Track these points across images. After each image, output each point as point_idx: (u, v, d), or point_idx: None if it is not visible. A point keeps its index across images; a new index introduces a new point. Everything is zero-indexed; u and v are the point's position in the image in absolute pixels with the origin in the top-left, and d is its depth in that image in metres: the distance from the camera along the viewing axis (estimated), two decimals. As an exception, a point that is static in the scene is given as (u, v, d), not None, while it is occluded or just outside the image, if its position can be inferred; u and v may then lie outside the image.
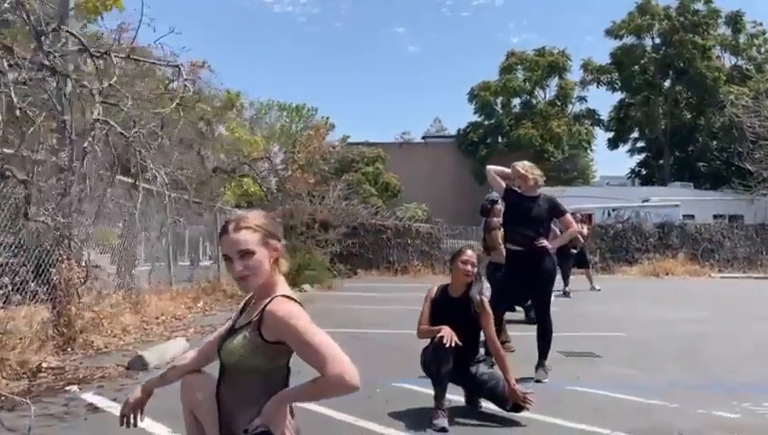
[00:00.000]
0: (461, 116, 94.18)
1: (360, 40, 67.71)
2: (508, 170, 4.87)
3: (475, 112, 32.33)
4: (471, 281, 3.66)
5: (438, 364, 3.41)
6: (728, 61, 32.69)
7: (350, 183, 30.81)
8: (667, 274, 18.24)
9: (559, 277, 12.48)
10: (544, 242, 4.60)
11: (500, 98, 32.06)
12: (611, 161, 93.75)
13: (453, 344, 3.36)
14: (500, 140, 31.92)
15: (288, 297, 1.79)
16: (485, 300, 3.62)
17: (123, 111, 5.46)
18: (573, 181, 32.88)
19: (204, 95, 12.25)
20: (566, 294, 12.06)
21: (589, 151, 33.14)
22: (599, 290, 13.38)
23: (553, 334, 4.87)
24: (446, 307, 3.65)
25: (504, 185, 4.86)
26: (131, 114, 5.71)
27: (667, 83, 32.86)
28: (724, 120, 27.88)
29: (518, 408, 3.49)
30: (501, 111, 32.45)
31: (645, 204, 23.77)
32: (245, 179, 11.17)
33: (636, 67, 31.58)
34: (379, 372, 4.80)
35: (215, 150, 10.68)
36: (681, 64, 30.93)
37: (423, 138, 37.03)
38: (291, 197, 10.74)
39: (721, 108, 28.43)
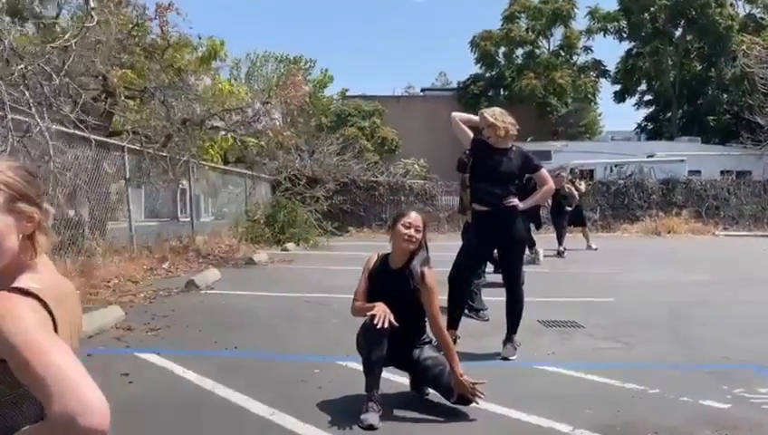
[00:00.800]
0: (467, 70, 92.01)
1: None
2: (476, 118, 4.22)
3: (476, 63, 31.13)
4: (413, 250, 3.08)
5: (369, 349, 2.86)
6: (742, 9, 31.15)
7: (346, 138, 30.12)
8: (670, 232, 17.64)
9: (553, 236, 12.07)
10: (514, 201, 4.00)
11: (502, 48, 30.77)
12: (618, 116, 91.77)
13: (386, 325, 2.81)
14: (502, 92, 30.83)
15: (25, 292, 1.14)
16: (427, 273, 3.04)
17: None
18: (580, 136, 31.93)
19: (176, 41, 11.45)
20: (560, 253, 11.53)
21: (594, 105, 32.00)
22: (595, 249, 12.85)
23: (538, 299, 4.34)
24: (385, 280, 3.09)
25: (470, 135, 4.23)
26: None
27: (677, 32, 31.41)
28: (735, 72, 26.69)
29: (465, 401, 2.96)
30: (503, 63, 31.20)
31: (649, 159, 22.97)
32: (225, 134, 10.48)
33: (645, 15, 30.10)
34: (323, 347, 4.30)
35: (187, 102, 9.96)
36: (693, 12, 29.44)
37: (422, 90, 35.90)
38: (268, 151, 10.02)
39: (733, 58, 27.19)
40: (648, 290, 7.31)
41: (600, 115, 38.95)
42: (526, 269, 8.50)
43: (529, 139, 28.39)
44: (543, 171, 4.17)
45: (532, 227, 10.34)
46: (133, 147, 8.45)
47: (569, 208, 11.73)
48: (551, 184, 4.21)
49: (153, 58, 10.47)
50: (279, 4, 68.93)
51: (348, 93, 35.63)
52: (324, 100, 37.67)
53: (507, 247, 4.10)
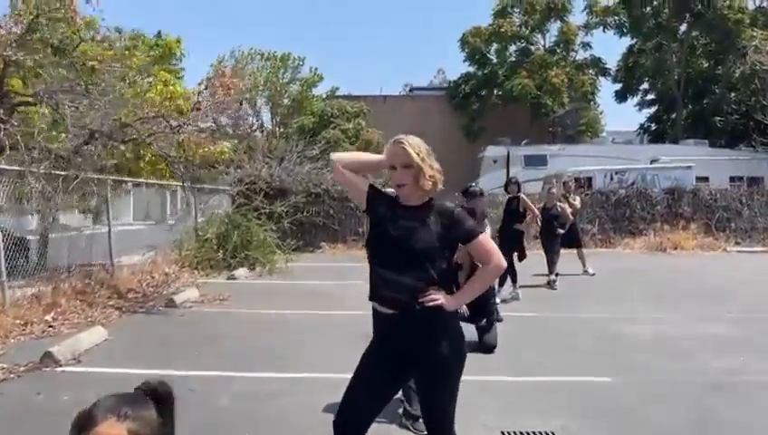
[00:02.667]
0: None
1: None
2: (374, 158, 2.62)
3: (465, 61, 29.55)
4: None
5: None
6: (752, 2, 29.62)
7: (327, 141, 28.51)
8: (676, 248, 16.06)
9: (545, 262, 10.48)
10: (438, 297, 2.37)
11: (494, 45, 29.19)
12: (620, 116, 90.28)
13: None
14: (495, 92, 29.25)
15: None
16: None
17: None
18: (580, 137, 30.34)
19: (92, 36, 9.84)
20: (550, 284, 9.95)
21: (593, 104, 30.39)
22: (592, 274, 11.29)
23: (504, 380, 2.81)
24: None
25: (364, 188, 2.60)
26: None
27: (682, 27, 29.85)
28: (744, 70, 25.13)
29: None
30: (495, 60, 29.65)
31: (653, 165, 21.40)
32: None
33: (648, 9, 28.56)
34: None
35: (103, 109, 8.32)
36: (699, 6, 27.90)
37: (410, 90, 34.30)
38: (194, 164, 8.40)
39: (742, 55, 25.65)
40: (658, 357, 5.69)
41: (601, 114, 37.40)
42: (505, 312, 6.77)
43: (523, 142, 26.85)
44: (483, 239, 2.52)
45: (515, 257, 8.79)
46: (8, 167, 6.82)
47: (561, 231, 10.14)
48: (497, 260, 2.52)
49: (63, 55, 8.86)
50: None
51: (338, 93, 34.09)
52: (313, 100, 36.10)
53: (430, 378, 2.47)
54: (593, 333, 6.62)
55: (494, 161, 25.81)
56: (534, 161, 24.84)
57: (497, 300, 8.52)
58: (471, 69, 30.08)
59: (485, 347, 5.72)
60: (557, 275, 10.78)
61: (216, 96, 8.39)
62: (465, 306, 5.58)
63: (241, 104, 8.99)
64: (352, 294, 8.96)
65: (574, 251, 11.59)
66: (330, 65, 77.35)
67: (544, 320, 7.47)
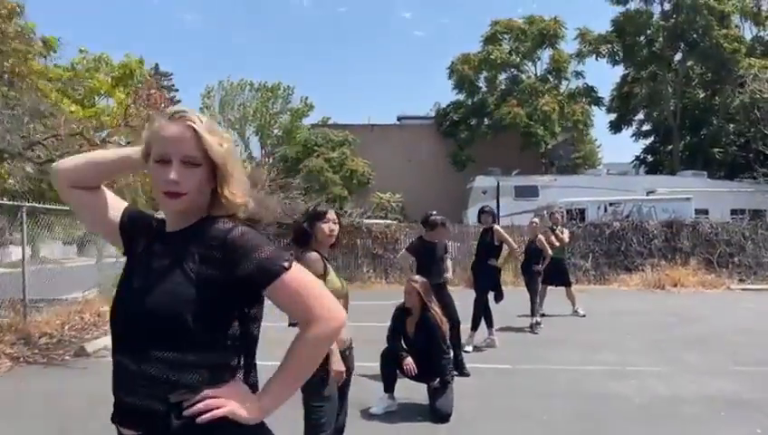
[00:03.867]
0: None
1: (364, 25, 66.70)
2: (121, 153, 1.59)
3: (454, 88, 28.89)
4: None
5: None
6: (749, 31, 29.24)
7: (311, 170, 27.65)
8: (676, 285, 14.99)
9: (528, 302, 9.40)
10: (219, 403, 1.29)
11: (483, 73, 28.58)
12: (615, 147, 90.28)
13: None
14: (486, 121, 28.52)
15: None
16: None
17: None
18: (576, 170, 29.54)
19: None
20: (532, 328, 8.89)
21: (586, 135, 29.67)
22: (583, 316, 10.23)
23: None
24: None
25: (113, 215, 1.54)
26: None
27: (677, 57, 29.37)
28: (743, 99, 24.49)
29: None
30: (485, 88, 29.03)
31: (650, 197, 20.51)
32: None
33: (641, 37, 28.10)
34: None
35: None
36: (694, 35, 27.46)
37: (398, 119, 33.62)
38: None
39: (740, 85, 25.06)
40: (652, 427, 4.59)
41: (598, 147, 36.80)
42: (475, 363, 5.74)
43: (514, 172, 26.06)
44: (294, 277, 1.42)
45: (491, 297, 7.74)
46: None
47: (538, 267, 9.15)
48: (325, 314, 1.39)
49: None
50: (264, 32, 68.36)
51: (328, 123, 33.48)
52: (300, 130, 35.43)
53: None
54: (576, 393, 5.51)
55: (484, 192, 24.97)
56: (525, 192, 24.00)
57: (468, 348, 7.44)
58: (460, 97, 29.44)
59: (437, 415, 4.63)
60: (542, 315, 9.74)
61: (146, 109, 7.39)
62: (411, 362, 4.52)
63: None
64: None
65: (563, 289, 10.54)
66: (324, 98, 77.83)
67: (519, 374, 6.36)
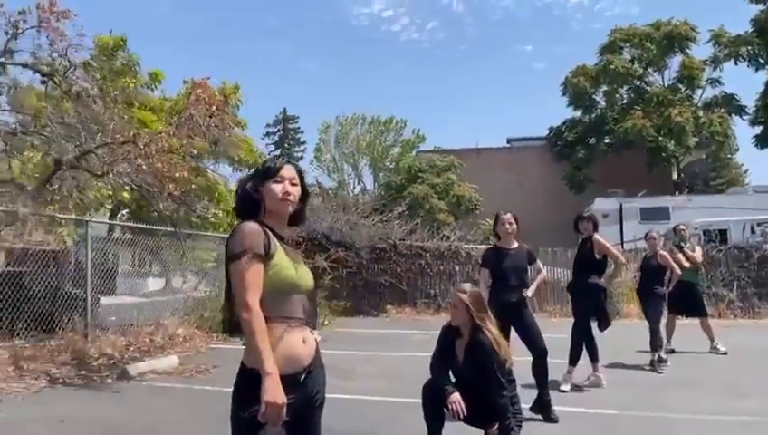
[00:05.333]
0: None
1: (484, 60, 67.06)
2: None
3: (569, 105, 26.86)
4: None
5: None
6: None
7: (415, 196, 26.94)
8: None
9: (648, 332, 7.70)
10: None
11: (602, 87, 26.37)
12: (764, 168, 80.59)
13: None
14: (604, 138, 26.20)
15: None
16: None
17: None
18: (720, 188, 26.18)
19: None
20: (653, 365, 7.30)
21: (726, 150, 26.17)
22: (724, 353, 8.36)
23: None
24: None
25: None
26: None
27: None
28: None
29: None
30: (603, 103, 26.75)
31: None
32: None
33: (792, 35, 24.53)
34: None
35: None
36: None
37: (508, 141, 32.04)
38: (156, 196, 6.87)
39: None
40: None
41: (745, 172, 32.55)
42: (571, 406, 4.50)
43: (640, 193, 23.52)
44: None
45: (594, 325, 6.32)
46: None
47: (659, 289, 7.51)
48: None
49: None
50: (384, 71, 70.94)
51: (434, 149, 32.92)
52: (405, 157, 35.23)
53: None
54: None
55: (605, 216, 22.68)
56: (653, 214, 21.46)
57: (564, 387, 6.06)
58: (575, 114, 27.38)
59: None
60: (669, 351, 8.06)
61: (198, 109, 6.94)
62: (457, 400, 3.40)
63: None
64: (370, 371, 7.02)
65: (698, 321, 8.70)
66: (438, 132, 78.20)
67: (625, 423, 4.93)
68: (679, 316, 8.68)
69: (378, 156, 44.01)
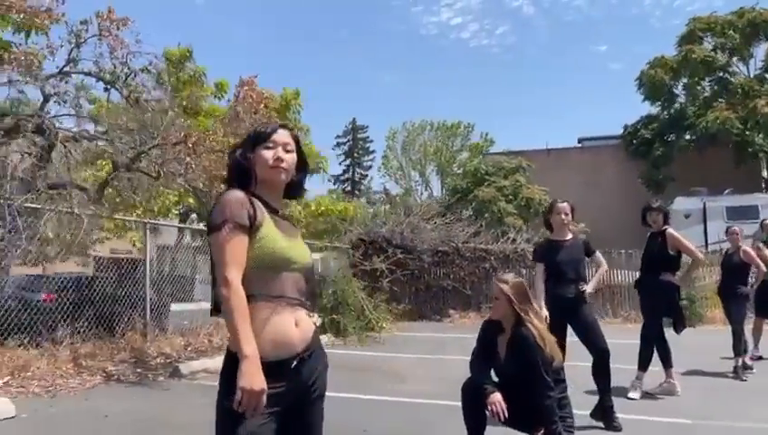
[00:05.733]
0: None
1: (556, 61, 66.45)
2: None
3: (645, 99, 25.48)
4: None
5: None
6: None
7: (482, 200, 26.40)
8: None
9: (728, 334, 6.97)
10: None
11: (682, 80, 24.86)
12: None
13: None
14: (684, 134, 24.67)
15: None
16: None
17: None
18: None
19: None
20: (737, 371, 6.67)
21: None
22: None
23: None
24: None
25: None
26: None
27: None
28: None
29: None
30: (683, 98, 25.22)
31: None
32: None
33: None
34: None
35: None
36: None
37: (579, 141, 30.80)
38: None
39: None
40: None
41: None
42: (641, 414, 4.19)
43: (726, 191, 21.97)
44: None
45: (669, 324, 5.81)
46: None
47: (742, 288, 6.83)
48: None
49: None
50: (447, 76, 70.61)
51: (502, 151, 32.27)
52: (471, 160, 34.75)
53: None
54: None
55: (686, 216, 21.35)
56: (741, 213, 19.93)
57: (633, 395, 5.57)
58: (652, 110, 25.93)
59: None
60: (756, 357, 7.34)
61: (243, 106, 6.94)
62: (498, 400, 3.11)
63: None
64: (421, 374, 6.77)
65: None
66: (508, 136, 77.02)
67: (704, 433, 4.41)
68: (767, 319, 7.89)
69: (445, 161, 43.69)
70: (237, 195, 1.87)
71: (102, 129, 7.65)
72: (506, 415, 3.19)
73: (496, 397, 3.22)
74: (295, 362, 1.87)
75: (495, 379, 3.46)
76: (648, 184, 24.66)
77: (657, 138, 25.10)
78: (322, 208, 16.86)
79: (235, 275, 1.77)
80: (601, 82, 68.22)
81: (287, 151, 1.99)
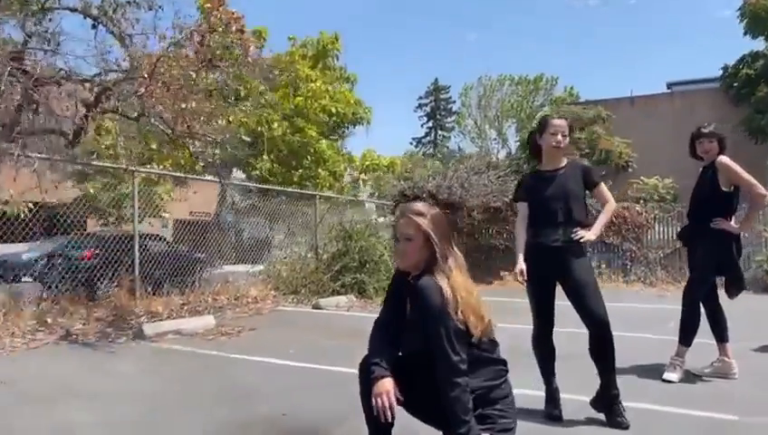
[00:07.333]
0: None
1: (658, 11, 60.77)
2: None
3: (746, 33, 22.38)
4: None
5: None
6: None
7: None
8: None
9: None
10: None
11: (794, 7, 21.58)
12: None
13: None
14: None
15: None
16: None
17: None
18: None
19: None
20: None
21: None
22: None
23: None
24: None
25: None
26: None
27: None
28: None
29: None
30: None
31: None
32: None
33: None
34: None
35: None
36: None
37: (668, 86, 27.76)
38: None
39: None
40: None
41: None
42: (663, 411, 3.11)
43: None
44: None
45: (719, 287, 4.51)
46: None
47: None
48: None
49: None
50: (536, 33, 67.25)
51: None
52: (544, 112, 32.68)
53: None
54: None
55: (794, 169, 18.69)
56: None
57: (670, 376, 4.37)
58: (757, 46, 22.76)
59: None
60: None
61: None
62: (386, 390, 2.06)
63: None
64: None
65: None
66: (589, 85, 72.45)
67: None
68: None
69: (525, 117, 41.38)
70: None
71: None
72: (393, 415, 2.18)
73: (384, 386, 2.20)
74: None
75: (400, 354, 2.43)
76: (752, 131, 21.83)
77: (761, 78, 22.07)
78: (367, 163, 15.96)
79: None
80: (707, 28, 62.75)
81: None
